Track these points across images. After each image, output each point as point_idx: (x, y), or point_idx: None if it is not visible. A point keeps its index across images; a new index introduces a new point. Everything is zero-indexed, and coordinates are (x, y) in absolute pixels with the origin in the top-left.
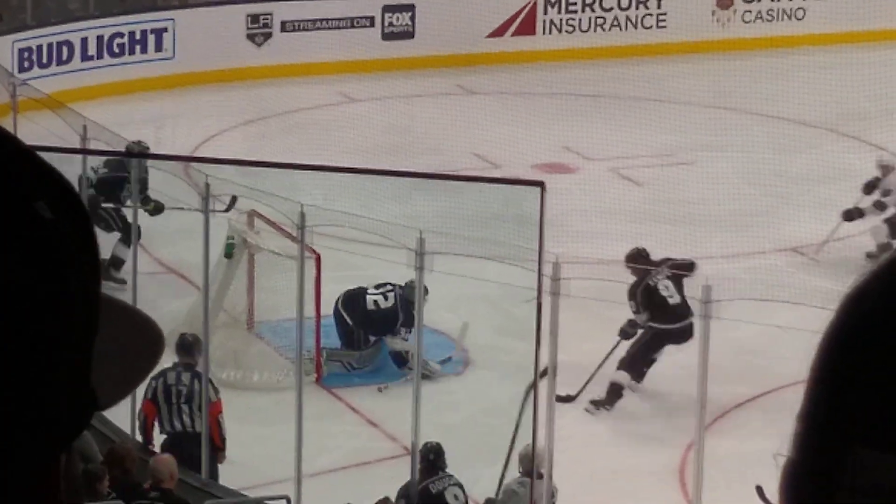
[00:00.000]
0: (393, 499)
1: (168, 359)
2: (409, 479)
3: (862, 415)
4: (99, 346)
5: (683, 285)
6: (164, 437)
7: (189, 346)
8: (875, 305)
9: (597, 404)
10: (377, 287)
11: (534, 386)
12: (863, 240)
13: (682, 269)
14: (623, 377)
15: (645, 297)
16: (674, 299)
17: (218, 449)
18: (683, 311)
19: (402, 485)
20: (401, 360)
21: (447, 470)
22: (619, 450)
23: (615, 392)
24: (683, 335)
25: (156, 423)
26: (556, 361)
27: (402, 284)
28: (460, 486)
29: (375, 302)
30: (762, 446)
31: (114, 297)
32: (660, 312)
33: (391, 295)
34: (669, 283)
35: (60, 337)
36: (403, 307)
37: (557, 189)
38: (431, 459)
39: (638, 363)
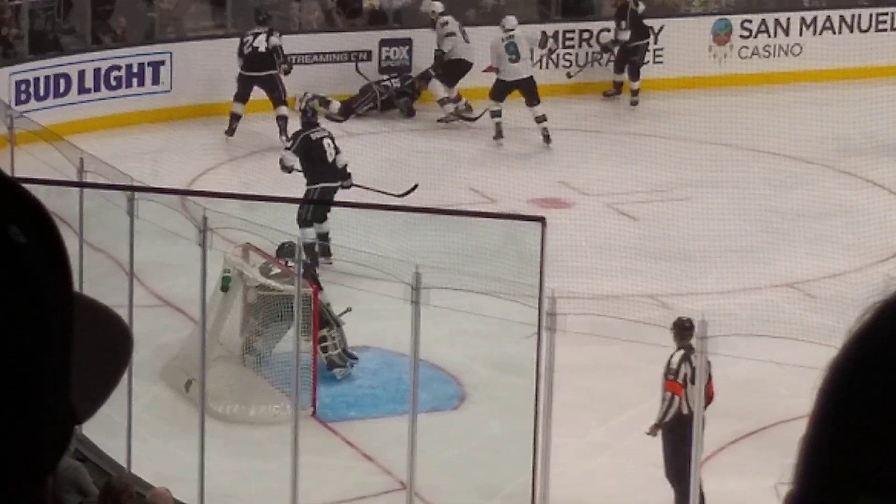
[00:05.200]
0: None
1: None
2: None
3: (870, 462)
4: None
5: None
6: None
7: None
8: (888, 344)
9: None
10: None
11: (535, 422)
12: (860, 276)
13: None
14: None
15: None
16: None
17: None
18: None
19: None
20: (332, 363)
21: None
22: (616, 486)
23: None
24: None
25: None
26: (552, 397)
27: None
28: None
29: None
30: (758, 483)
31: (80, 294)
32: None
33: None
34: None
35: (36, 357)
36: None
37: (553, 224)
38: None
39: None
